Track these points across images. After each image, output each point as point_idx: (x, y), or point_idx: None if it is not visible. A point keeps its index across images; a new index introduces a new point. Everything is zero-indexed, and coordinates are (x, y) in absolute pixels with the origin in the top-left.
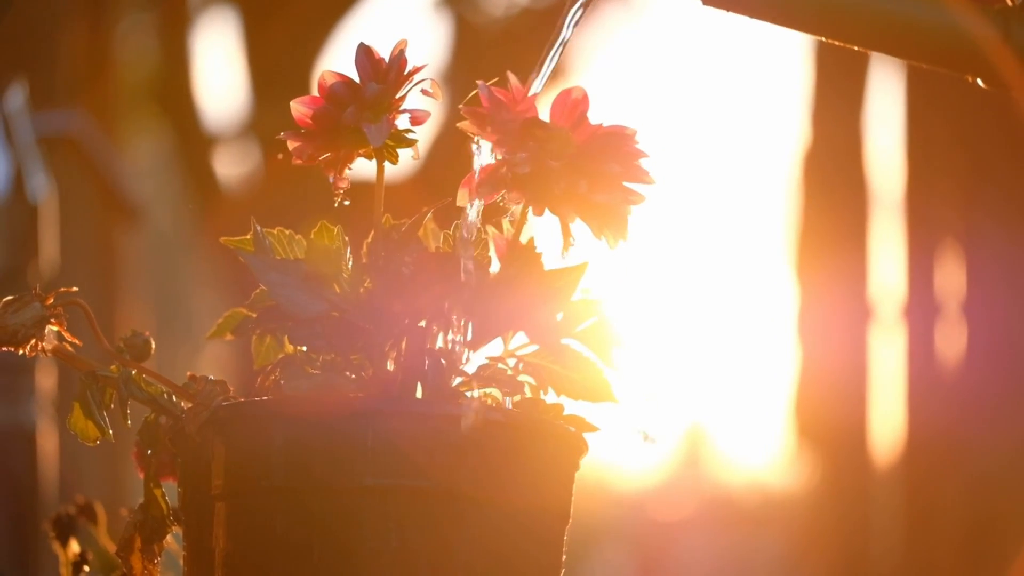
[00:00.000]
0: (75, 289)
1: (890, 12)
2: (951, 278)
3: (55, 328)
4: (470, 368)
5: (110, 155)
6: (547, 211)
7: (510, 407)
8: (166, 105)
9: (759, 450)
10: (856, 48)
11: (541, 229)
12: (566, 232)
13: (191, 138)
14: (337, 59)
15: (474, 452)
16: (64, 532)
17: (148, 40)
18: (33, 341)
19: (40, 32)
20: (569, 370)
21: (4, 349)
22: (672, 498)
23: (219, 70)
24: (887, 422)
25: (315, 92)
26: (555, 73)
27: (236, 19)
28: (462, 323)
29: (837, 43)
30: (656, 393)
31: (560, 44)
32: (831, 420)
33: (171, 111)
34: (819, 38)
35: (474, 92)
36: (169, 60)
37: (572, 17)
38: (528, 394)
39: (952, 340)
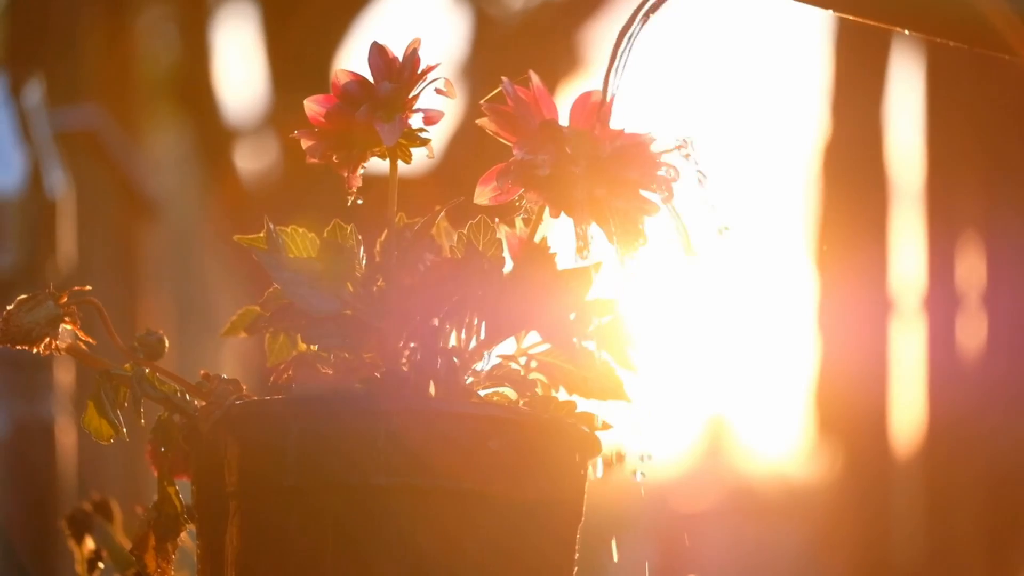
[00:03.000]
0: (88, 288)
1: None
2: (972, 269)
3: (69, 327)
4: (482, 367)
5: (128, 150)
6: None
7: (522, 406)
8: (185, 100)
9: (781, 441)
10: (926, 37)
11: (555, 228)
12: (580, 235)
13: (210, 133)
14: (357, 53)
15: (486, 451)
16: (79, 529)
17: (167, 35)
18: (47, 340)
19: (59, 27)
20: (582, 369)
21: (19, 347)
22: (694, 489)
23: (238, 65)
24: (908, 413)
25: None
26: (570, 68)
27: (255, 13)
28: (475, 322)
29: (895, 29)
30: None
31: (627, 48)
32: (852, 411)
33: (190, 106)
34: (864, 20)
35: (497, 90)
36: (188, 55)
37: (640, 15)
38: (540, 393)
39: (972, 331)
